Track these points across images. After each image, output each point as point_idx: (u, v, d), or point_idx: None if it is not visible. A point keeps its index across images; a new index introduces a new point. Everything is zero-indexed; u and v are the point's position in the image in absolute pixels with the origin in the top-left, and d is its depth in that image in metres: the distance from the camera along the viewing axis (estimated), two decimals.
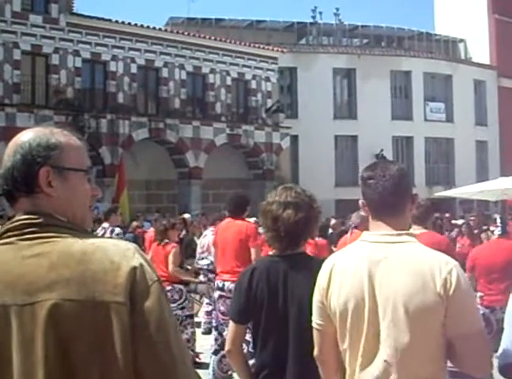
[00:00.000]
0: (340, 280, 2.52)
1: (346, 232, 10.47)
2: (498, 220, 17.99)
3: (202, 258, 10.05)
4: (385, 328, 2.40)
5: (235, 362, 3.41)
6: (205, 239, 10.26)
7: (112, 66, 24.24)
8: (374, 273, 2.45)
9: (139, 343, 1.55)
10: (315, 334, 2.67)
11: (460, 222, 14.74)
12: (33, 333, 1.52)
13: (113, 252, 1.61)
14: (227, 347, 3.34)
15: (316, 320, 2.65)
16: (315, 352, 2.71)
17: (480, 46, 37.07)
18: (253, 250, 7.10)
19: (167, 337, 1.58)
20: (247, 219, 7.83)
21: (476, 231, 11.88)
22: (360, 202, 2.65)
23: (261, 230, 9.65)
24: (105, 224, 9.56)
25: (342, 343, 2.54)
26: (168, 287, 8.00)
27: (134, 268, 1.58)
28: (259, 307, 3.20)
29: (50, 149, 1.69)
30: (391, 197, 2.54)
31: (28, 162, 1.67)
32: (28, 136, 1.71)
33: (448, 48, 37.92)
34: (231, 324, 3.36)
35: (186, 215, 15.35)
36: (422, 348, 2.40)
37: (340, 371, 2.63)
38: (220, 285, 7.27)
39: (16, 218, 1.64)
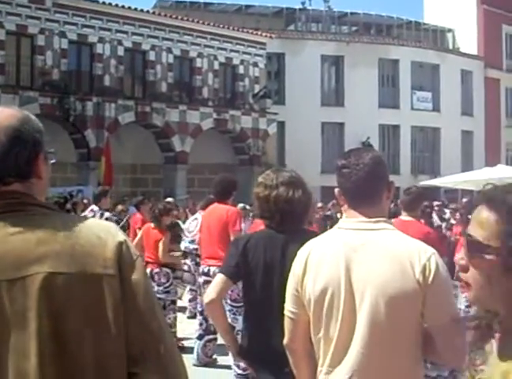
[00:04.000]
0: (317, 268, 2.49)
1: (329, 217, 10.50)
2: None
3: (192, 242, 9.94)
4: (362, 317, 2.36)
5: (215, 313, 3.38)
6: (196, 222, 10.12)
7: (99, 48, 24.02)
8: (351, 260, 2.41)
9: (129, 313, 1.61)
10: (287, 322, 2.63)
11: (447, 212, 14.87)
12: (25, 307, 1.52)
13: (98, 228, 1.66)
14: (210, 296, 3.27)
15: (289, 307, 2.60)
16: (285, 340, 2.68)
17: (467, 37, 37.11)
18: (232, 237, 6.98)
19: (153, 307, 1.67)
20: (239, 205, 7.76)
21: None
22: (336, 191, 2.62)
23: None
24: (95, 207, 9.49)
25: (316, 331, 2.50)
26: (156, 270, 8.08)
27: (121, 243, 1.64)
28: (254, 273, 3.18)
29: (42, 134, 1.71)
30: (365, 185, 2.49)
31: (29, 148, 1.65)
32: (14, 119, 1.66)
33: (436, 38, 37.93)
34: (220, 275, 3.32)
35: (170, 199, 15.28)
36: (398, 338, 2.37)
37: (310, 360, 2.61)
38: (206, 270, 7.24)
39: None
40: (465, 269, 1.40)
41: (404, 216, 5.81)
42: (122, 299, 1.60)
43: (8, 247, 1.56)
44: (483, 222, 1.37)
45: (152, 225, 8.36)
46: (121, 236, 1.67)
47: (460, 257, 1.42)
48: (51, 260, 1.55)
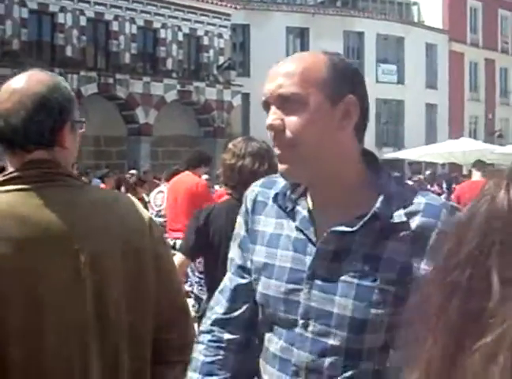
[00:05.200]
0: None
1: None
2: (444, 185, 18.47)
3: (160, 216, 9.83)
4: None
5: None
6: (161, 195, 10.01)
7: (60, 18, 23.48)
8: None
9: (160, 285, 1.72)
10: None
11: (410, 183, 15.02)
12: (76, 278, 1.58)
13: (130, 202, 1.76)
14: None
15: None
16: None
17: (432, 10, 37.25)
18: None
19: (179, 280, 1.90)
20: (202, 176, 7.72)
21: None
22: None
23: (217, 187, 9.54)
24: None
25: None
26: None
27: (150, 218, 1.77)
28: (217, 243, 3.18)
29: (72, 102, 1.71)
30: None
31: (55, 116, 1.64)
32: (43, 85, 1.67)
33: (401, 10, 38.00)
34: (180, 255, 3.40)
35: (134, 171, 15.21)
36: None
37: None
38: (172, 243, 7.18)
39: (29, 165, 1.61)
40: None
41: None
42: (155, 271, 1.70)
43: (55, 219, 1.57)
44: None
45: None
46: (146, 211, 1.77)
47: None
48: (95, 236, 1.61)
